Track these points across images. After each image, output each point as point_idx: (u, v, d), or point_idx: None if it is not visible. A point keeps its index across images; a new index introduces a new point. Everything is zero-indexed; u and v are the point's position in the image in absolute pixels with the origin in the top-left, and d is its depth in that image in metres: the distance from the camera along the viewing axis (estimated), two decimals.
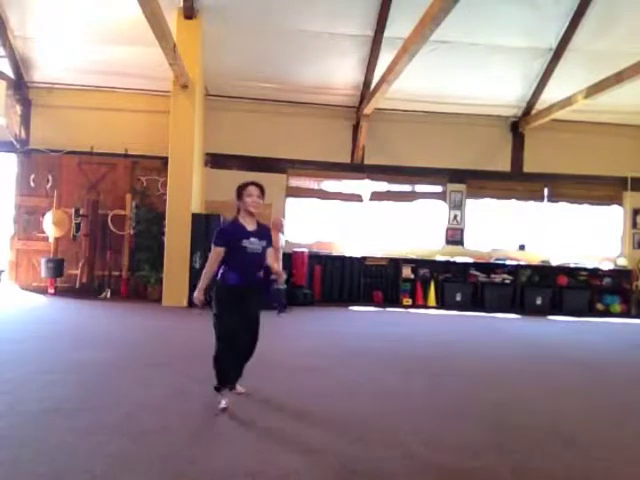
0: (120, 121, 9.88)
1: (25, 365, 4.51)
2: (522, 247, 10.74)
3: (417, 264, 10.32)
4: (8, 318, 7.12)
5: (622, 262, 10.63)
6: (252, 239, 3.69)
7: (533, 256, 10.61)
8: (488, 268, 10.36)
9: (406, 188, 10.83)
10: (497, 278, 10.28)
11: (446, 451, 3.06)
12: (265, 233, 3.83)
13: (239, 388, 3.90)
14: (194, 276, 8.66)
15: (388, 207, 10.74)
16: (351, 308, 9.59)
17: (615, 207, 10.98)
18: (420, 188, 10.86)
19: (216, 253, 3.69)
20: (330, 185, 10.65)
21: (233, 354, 3.67)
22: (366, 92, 9.82)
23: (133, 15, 7.04)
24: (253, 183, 3.74)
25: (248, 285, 3.70)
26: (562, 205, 10.96)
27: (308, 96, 10.09)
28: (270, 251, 3.88)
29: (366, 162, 10.47)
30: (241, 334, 3.68)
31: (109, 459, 2.72)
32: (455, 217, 10.72)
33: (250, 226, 3.73)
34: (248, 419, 3.43)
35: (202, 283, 3.75)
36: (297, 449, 3.02)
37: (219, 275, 3.75)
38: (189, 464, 2.71)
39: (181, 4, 8.41)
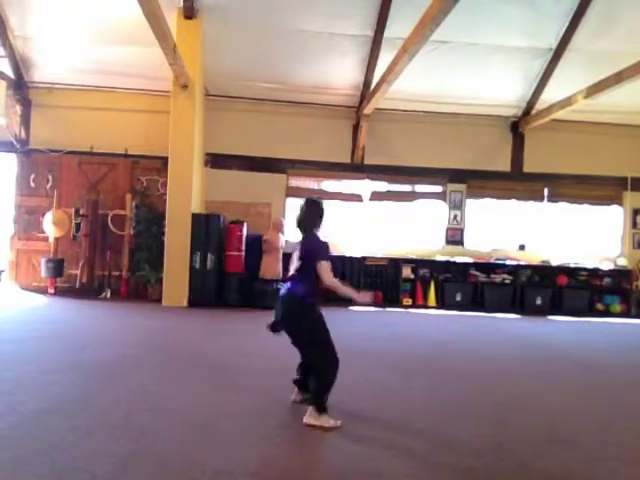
0: (120, 121, 9.88)
1: (25, 365, 4.51)
2: (522, 247, 10.74)
3: (417, 264, 10.31)
4: (8, 318, 7.12)
5: (622, 262, 10.62)
6: None
7: (533, 256, 10.61)
8: (488, 268, 10.35)
9: (406, 188, 10.82)
10: (497, 278, 10.27)
11: (446, 451, 3.06)
12: None
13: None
14: (194, 276, 8.67)
15: (388, 207, 10.74)
16: (351, 308, 9.59)
17: (615, 207, 10.97)
18: (420, 188, 10.85)
19: (329, 267, 3.54)
20: (330, 185, 10.65)
21: None
22: (366, 92, 9.82)
23: (133, 15, 7.04)
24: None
25: None
26: (562, 205, 10.95)
27: (308, 96, 10.09)
28: None
29: (366, 162, 10.47)
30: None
31: (109, 459, 2.71)
32: (455, 217, 10.72)
33: None
34: (247, 419, 3.43)
35: (348, 288, 3.69)
36: (296, 449, 3.02)
37: (307, 295, 3.53)
38: (189, 464, 2.71)
39: (181, 4, 8.41)
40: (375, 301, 10.05)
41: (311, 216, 3.70)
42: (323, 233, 3.72)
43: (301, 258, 3.58)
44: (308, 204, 3.74)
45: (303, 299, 3.52)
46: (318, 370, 3.49)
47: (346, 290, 3.63)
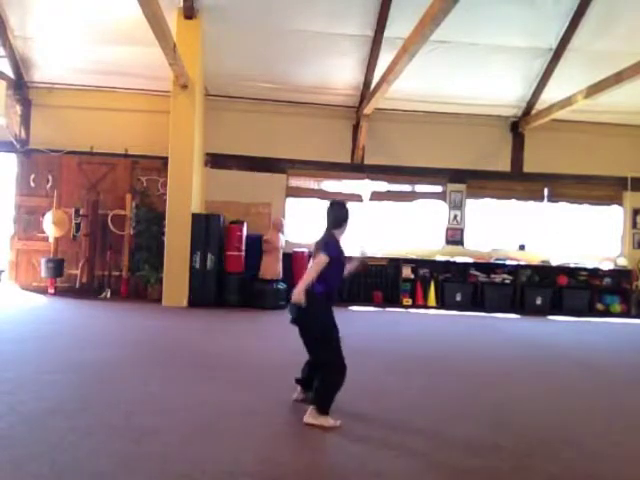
0: (120, 121, 9.87)
1: (25, 365, 4.51)
2: (522, 247, 10.74)
3: (417, 264, 10.30)
4: (8, 318, 7.12)
5: (622, 262, 10.62)
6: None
7: (533, 256, 10.61)
8: (488, 268, 10.35)
9: (406, 188, 10.82)
10: (497, 278, 10.27)
11: (446, 451, 3.06)
12: None
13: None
14: (194, 276, 8.67)
15: (388, 207, 10.73)
16: (351, 308, 9.59)
17: (615, 207, 10.97)
18: (420, 188, 10.85)
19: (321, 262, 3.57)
20: (330, 185, 10.64)
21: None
22: (366, 92, 9.81)
23: (133, 15, 7.04)
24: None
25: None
26: (562, 205, 10.95)
27: (308, 96, 10.09)
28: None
29: (366, 162, 10.46)
30: None
31: (109, 459, 2.71)
32: (455, 217, 10.72)
33: None
34: (247, 418, 3.43)
35: (304, 284, 3.50)
36: (296, 448, 3.02)
37: (319, 289, 3.57)
38: (189, 464, 2.71)
39: (181, 4, 8.40)
40: (376, 301, 10.07)
41: (332, 218, 3.76)
42: (346, 236, 3.80)
43: (314, 256, 3.65)
44: (332, 206, 3.82)
45: (315, 293, 3.52)
46: (324, 373, 3.51)
47: (302, 285, 3.49)
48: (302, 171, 10.46)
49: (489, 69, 9.51)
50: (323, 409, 3.41)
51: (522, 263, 10.37)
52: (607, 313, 10.19)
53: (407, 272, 10.25)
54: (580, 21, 8.64)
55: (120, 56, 9.08)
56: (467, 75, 9.65)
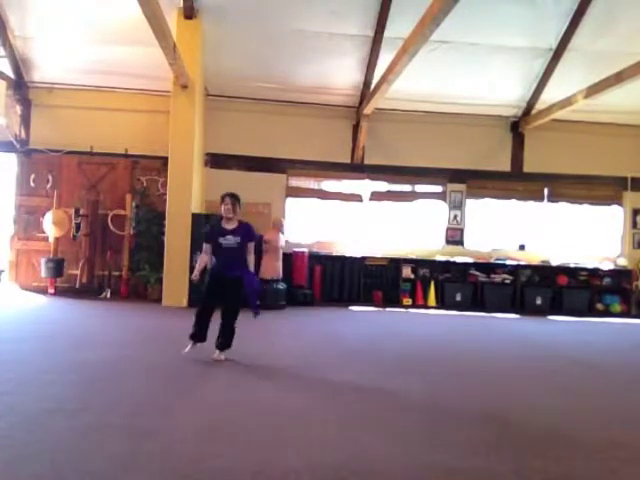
0: (120, 121, 9.87)
1: (25, 365, 4.51)
2: (522, 247, 10.74)
3: (417, 264, 10.30)
4: (8, 318, 7.12)
5: (622, 262, 10.62)
6: (228, 236, 4.91)
7: (533, 256, 10.61)
8: (488, 268, 10.35)
9: (406, 188, 10.82)
10: (497, 278, 10.27)
11: (446, 451, 3.06)
12: (242, 230, 5.02)
13: (216, 355, 4.95)
14: None
15: (388, 207, 10.73)
16: (351, 308, 9.59)
17: (615, 207, 10.97)
18: (420, 188, 10.85)
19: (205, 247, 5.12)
20: (330, 185, 10.64)
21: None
22: (366, 92, 9.81)
23: (133, 15, 7.03)
24: (228, 195, 5.08)
25: (225, 273, 4.97)
26: (562, 205, 10.95)
27: (308, 96, 10.09)
28: (250, 245, 5.08)
29: (366, 162, 10.46)
30: (208, 308, 5.05)
31: (109, 459, 2.71)
32: (455, 217, 10.72)
33: (228, 226, 5.00)
34: (247, 419, 3.43)
35: (197, 266, 5.20)
36: (297, 449, 3.02)
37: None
38: (189, 464, 2.71)
39: (181, 4, 8.41)
40: (376, 301, 10.07)
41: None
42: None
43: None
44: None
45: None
46: (232, 321, 5.01)
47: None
48: (302, 171, 10.46)
49: (489, 69, 9.52)
50: (230, 345, 4.91)
51: (522, 263, 10.37)
52: (607, 313, 10.19)
53: (407, 272, 10.25)
54: (580, 21, 8.65)
55: (120, 56, 9.08)
56: (467, 75, 9.65)
